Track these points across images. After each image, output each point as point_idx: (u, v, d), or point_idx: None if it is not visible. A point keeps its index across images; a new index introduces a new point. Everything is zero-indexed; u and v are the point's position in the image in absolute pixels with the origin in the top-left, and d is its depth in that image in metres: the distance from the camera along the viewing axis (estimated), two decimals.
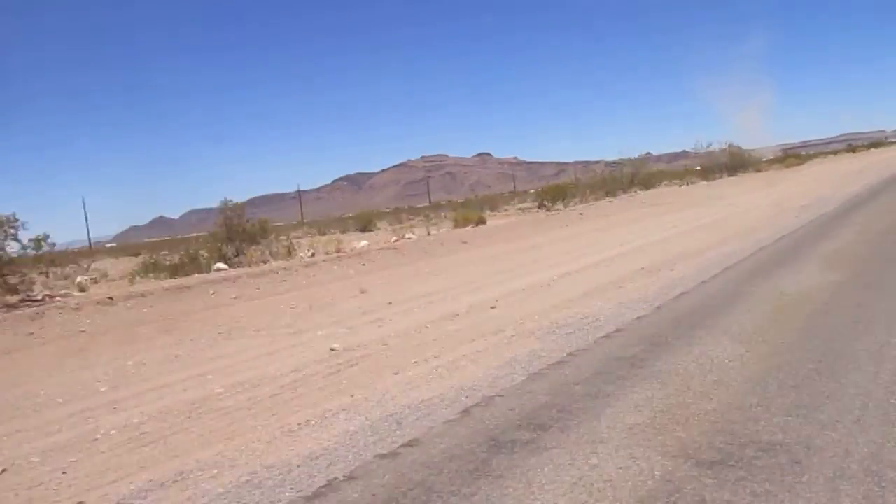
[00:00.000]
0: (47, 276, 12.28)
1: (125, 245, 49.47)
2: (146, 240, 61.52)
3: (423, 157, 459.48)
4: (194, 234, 29.89)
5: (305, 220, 56.40)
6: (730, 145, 45.48)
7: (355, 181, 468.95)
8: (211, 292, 10.58)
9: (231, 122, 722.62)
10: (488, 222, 21.79)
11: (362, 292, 10.45)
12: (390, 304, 9.24)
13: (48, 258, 11.63)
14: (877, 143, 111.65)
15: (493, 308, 8.15)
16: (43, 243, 11.20)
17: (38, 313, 9.01)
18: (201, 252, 14.15)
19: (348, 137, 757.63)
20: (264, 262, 13.34)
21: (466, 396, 4.76)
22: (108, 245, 54.67)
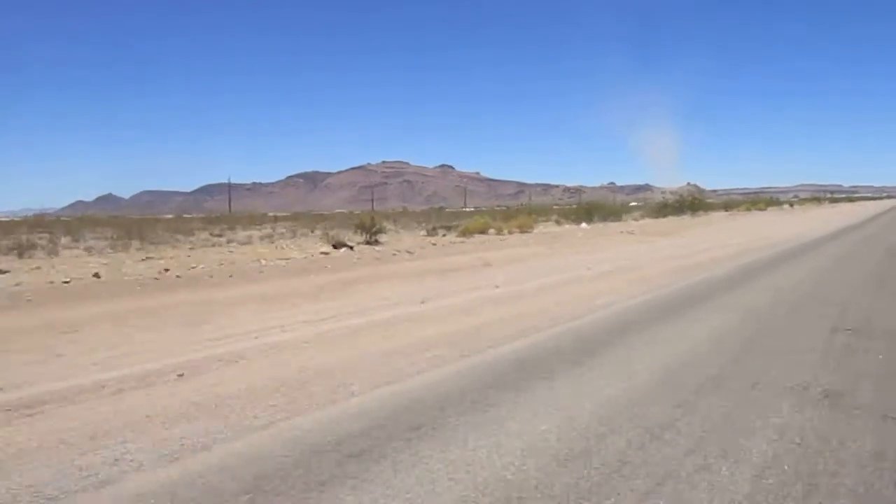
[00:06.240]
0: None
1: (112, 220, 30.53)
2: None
3: (383, 162, 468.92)
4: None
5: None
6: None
7: (312, 179, 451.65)
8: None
9: (193, 109, 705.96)
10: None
11: None
12: None
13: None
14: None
15: None
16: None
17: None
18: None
19: (309, 135, 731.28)
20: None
21: None
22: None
